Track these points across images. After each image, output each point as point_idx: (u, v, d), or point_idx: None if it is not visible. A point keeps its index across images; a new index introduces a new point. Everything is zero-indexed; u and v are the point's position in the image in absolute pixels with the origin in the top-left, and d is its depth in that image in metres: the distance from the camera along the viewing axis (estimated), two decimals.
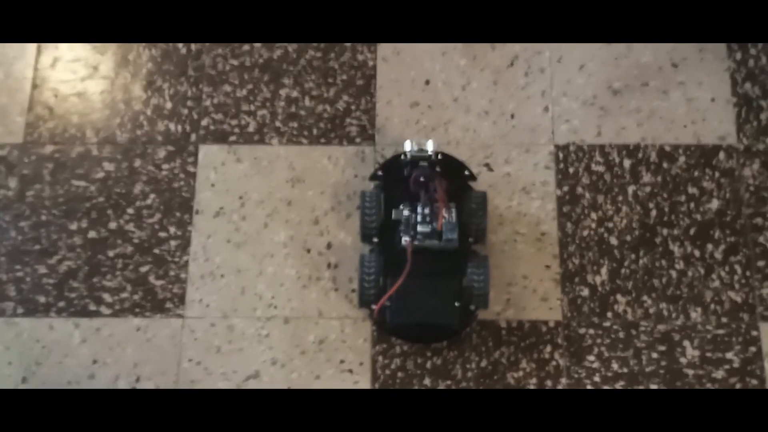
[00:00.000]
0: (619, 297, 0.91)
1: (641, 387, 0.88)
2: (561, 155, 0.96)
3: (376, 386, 0.88)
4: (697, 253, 0.92)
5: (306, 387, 0.89)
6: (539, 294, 0.91)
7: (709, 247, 0.92)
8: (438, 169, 0.88)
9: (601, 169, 0.96)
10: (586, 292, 0.91)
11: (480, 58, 1.01)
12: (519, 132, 0.97)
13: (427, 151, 0.88)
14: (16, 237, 0.95)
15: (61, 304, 0.92)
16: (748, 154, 0.96)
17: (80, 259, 0.94)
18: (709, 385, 0.88)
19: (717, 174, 0.95)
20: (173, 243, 0.94)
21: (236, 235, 0.94)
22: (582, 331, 0.90)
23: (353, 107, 0.99)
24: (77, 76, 1.01)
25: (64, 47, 1.02)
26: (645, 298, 0.91)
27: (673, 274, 0.92)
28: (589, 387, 0.88)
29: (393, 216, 0.87)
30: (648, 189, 0.95)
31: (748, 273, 0.91)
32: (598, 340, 0.89)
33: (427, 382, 0.89)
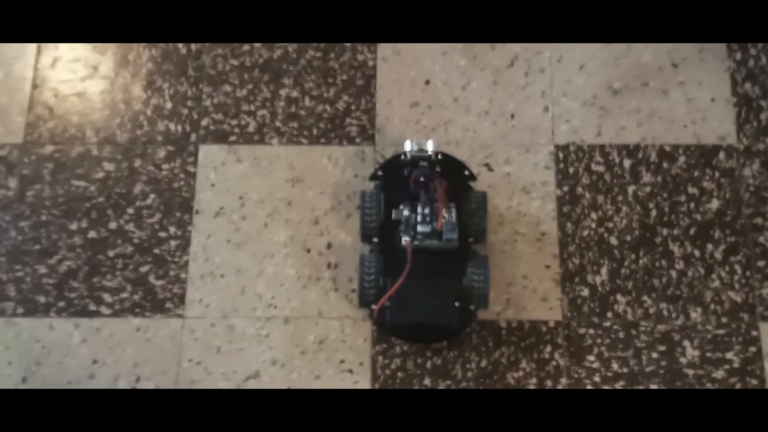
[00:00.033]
0: (619, 297, 0.91)
1: (641, 387, 0.88)
2: (561, 155, 0.96)
3: (376, 386, 0.88)
4: (697, 253, 0.92)
5: (306, 387, 0.89)
6: (539, 294, 0.91)
7: (709, 247, 0.92)
8: (438, 169, 0.88)
9: (601, 169, 0.96)
10: (586, 292, 0.91)
11: (480, 58, 1.01)
12: (519, 132, 0.97)
13: (427, 151, 0.88)
14: (16, 237, 0.95)
15: (61, 304, 0.92)
16: (748, 154, 0.96)
17: (80, 259, 0.94)
18: (709, 385, 0.88)
19: (717, 174, 0.95)
20: (173, 243, 0.94)
21: (236, 235, 0.94)
22: (582, 331, 0.90)
23: (353, 107, 0.99)
24: (77, 76, 1.01)
25: (64, 47, 1.02)
26: (645, 298, 0.91)
27: (673, 274, 0.92)
28: (589, 387, 0.88)
29: (393, 216, 0.87)
30: (648, 189, 0.95)
31: (748, 273, 0.91)
32: (598, 340, 0.89)
33: (427, 382, 0.89)
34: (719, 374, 0.88)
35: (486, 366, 0.89)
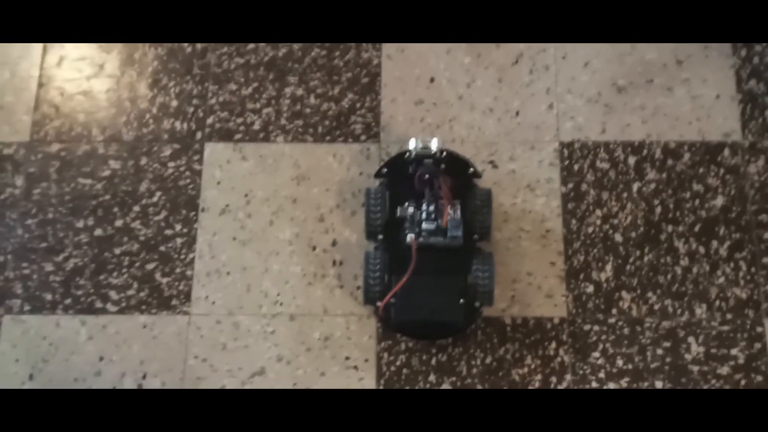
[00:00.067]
0: (623, 294, 0.91)
1: (646, 383, 0.88)
2: (566, 152, 0.96)
3: (382, 383, 0.89)
4: (702, 249, 0.92)
5: (311, 384, 0.89)
6: (544, 291, 0.91)
7: (714, 243, 0.92)
8: (443, 166, 0.88)
9: (605, 166, 0.96)
10: (590, 288, 0.91)
11: (484, 56, 1.01)
12: (524, 129, 0.97)
13: (431, 149, 0.88)
14: (22, 235, 0.95)
15: (68, 301, 0.92)
16: (753, 151, 0.96)
17: (87, 256, 0.94)
18: (714, 382, 0.88)
19: (722, 171, 0.95)
20: (179, 240, 0.94)
21: (242, 232, 0.94)
22: (587, 327, 0.90)
23: (358, 105, 0.99)
24: (83, 74, 1.02)
25: (69, 46, 1.03)
26: (650, 294, 0.91)
27: (678, 270, 0.92)
28: (593, 383, 0.88)
29: (398, 213, 0.87)
30: (653, 186, 0.95)
31: (753, 269, 0.91)
32: (603, 337, 0.90)
33: (432, 378, 0.89)
34: (724, 371, 0.88)
35: (491, 362, 0.89)
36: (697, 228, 0.93)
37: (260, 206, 0.95)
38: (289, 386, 0.89)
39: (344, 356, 0.90)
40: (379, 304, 0.86)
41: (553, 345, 0.90)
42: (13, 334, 0.91)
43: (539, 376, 0.88)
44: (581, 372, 0.89)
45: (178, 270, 0.93)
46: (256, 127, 0.98)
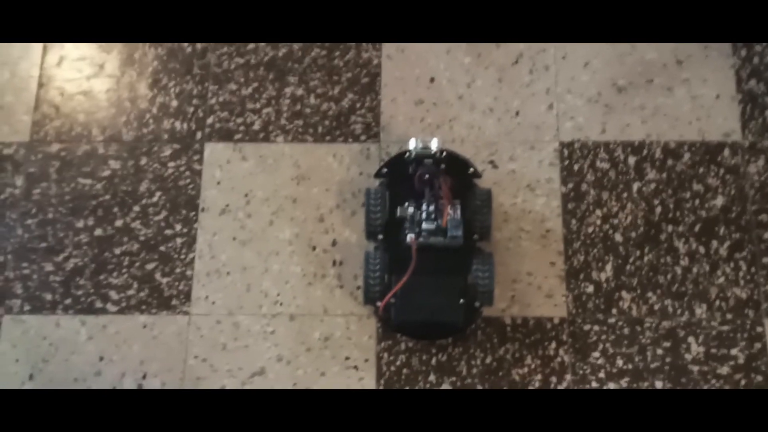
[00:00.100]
0: (624, 293, 0.91)
1: (646, 383, 0.88)
2: (566, 152, 0.96)
3: (382, 383, 0.89)
4: (702, 249, 0.92)
5: (311, 384, 0.89)
6: (544, 291, 0.91)
7: (714, 243, 0.92)
8: (443, 166, 0.88)
9: (605, 166, 0.96)
10: (590, 288, 0.91)
11: (485, 56, 1.01)
12: (524, 129, 0.97)
13: (431, 149, 0.88)
14: (22, 235, 0.95)
15: (68, 301, 0.92)
16: (753, 151, 0.96)
17: (87, 256, 0.94)
18: (713, 382, 0.88)
19: (722, 171, 0.95)
20: (179, 240, 0.94)
21: (242, 232, 0.94)
22: (587, 327, 0.90)
23: (358, 105, 0.99)
24: (83, 74, 1.02)
25: (69, 46, 1.03)
26: (650, 294, 0.91)
27: (678, 270, 0.92)
28: (593, 383, 0.88)
29: (398, 213, 0.87)
30: (653, 186, 0.95)
31: (753, 269, 0.91)
32: (603, 337, 0.90)
33: (432, 378, 0.89)
34: (724, 370, 0.88)
35: (491, 362, 0.89)
36: (697, 228, 0.93)
37: (260, 206, 0.95)
38: (289, 386, 0.89)
39: (344, 356, 0.90)
40: (379, 304, 0.86)
41: (553, 345, 0.90)
42: (13, 334, 0.91)
43: (539, 376, 0.88)
44: (581, 372, 0.89)
45: (178, 270, 0.93)
46: (256, 127, 0.98)
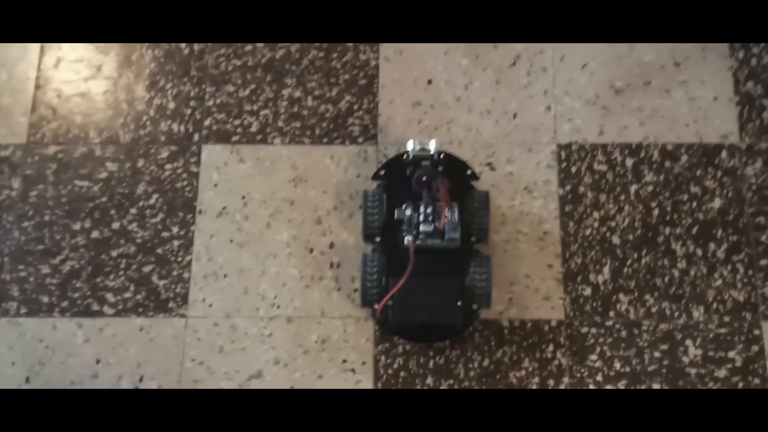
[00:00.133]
0: (621, 296, 0.91)
1: (643, 386, 0.88)
2: (563, 154, 0.96)
3: (379, 386, 0.89)
4: (699, 252, 0.92)
5: (308, 386, 0.89)
6: (541, 293, 0.91)
7: (712, 246, 0.92)
8: (440, 168, 0.88)
9: (603, 168, 0.96)
10: (588, 291, 0.91)
11: (482, 58, 1.01)
12: (521, 131, 0.97)
13: (429, 151, 0.88)
14: (19, 237, 0.95)
15: (65, 304, 0.92)
16: (751, 153, 0.96)
17: (83, 259, 0.94)
18: (711, 385, 0.88)
19: (719, 173, 0.95)
20: (176, 243, 0.94)
21: (239, 234, 0.94)
22: (584, 330, 0.90)
23: (356, 107, 0.99)
24: (80, 76, 1.01)
25: (67, 47, 1.02)
26: (647, 297, 0.91)
27: (676, 273, 0.92)
28: (591, 386, 0.88)
29: (395, 215, 0.87)
30: (650, 188, 0.95)
31: (750, 272, 0.91)
32: (601, 339, 0.89)
33: (429, 381, 0.89)
34: (721, 373, 0.88)
35: (488, 365, 0.89)
36: (694, 230, 0.93)
37: (257, 208, 0.95)
38: (286, 389, 0.89)
39: (341, 359, 0.90)
40: (376, 306, 0.86)
41: (551, 347, 0.89)
42: (9, 337, 0.91)
43: (537, 379, 0.88)
44: (579, 374, 0.88)
45: (175, 272, 0.93)
46: (254, 129, 0.98)
